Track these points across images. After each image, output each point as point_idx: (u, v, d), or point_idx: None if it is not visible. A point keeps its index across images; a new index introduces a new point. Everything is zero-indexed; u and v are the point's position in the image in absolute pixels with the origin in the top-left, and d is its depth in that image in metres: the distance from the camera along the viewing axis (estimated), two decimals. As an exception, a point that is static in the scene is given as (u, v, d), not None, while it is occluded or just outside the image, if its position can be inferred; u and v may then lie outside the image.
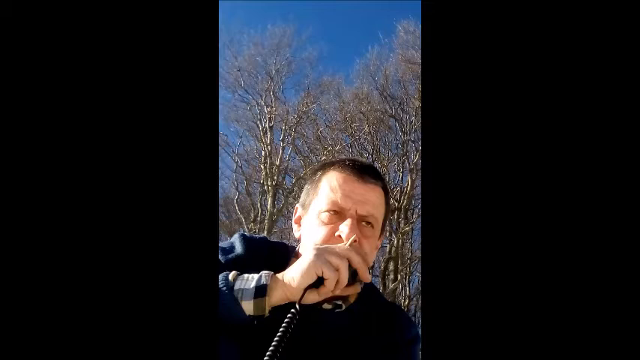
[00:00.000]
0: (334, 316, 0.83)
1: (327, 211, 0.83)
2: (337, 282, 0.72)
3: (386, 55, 13.55)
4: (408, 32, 12.76)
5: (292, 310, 0.70)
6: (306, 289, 0.72)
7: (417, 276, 12.27)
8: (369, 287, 0.89)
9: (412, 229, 11.85)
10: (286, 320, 0.69)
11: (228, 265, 0.81)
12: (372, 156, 12.01)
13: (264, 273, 0.74)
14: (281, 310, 0.71)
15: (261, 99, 13.59)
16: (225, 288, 0.71)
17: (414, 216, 11.92)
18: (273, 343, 0.65)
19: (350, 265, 0.74)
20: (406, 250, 12.11)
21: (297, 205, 0.94)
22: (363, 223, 0.83)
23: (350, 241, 0.78)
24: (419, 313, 11.07)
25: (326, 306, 0.83)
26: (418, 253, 11.49)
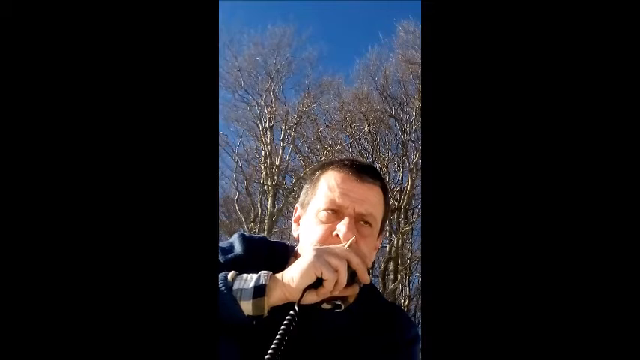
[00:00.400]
0: (334, 316, 0.83)
1: (325, 210, 0.83)
2: (336, 283, 0.72)
3: (386, 55, 13.58)
4: (408, 32, 12.78)
5: (291, 311, 0.70)
6: (305, 290, 0.72)
7: (417, 276, 12.28)
8: (368, 287, 0.89)
9: (412, 229, 11.86)
10: (285, 321, 0.69)
11: (227, 264, 0.81)
12: (372, 156, 12.01)
13: (262, 273, 0.74)
14: (280, 310, 0.71)
15: (261, 99, 13.60)
16: (223, 288, 0.71)
17: (414, 216, 11.93)
18: (273, 344, 0.65)
19: (349, 266, 0.74)
20: (406, 250, 12.11)
21: (296, 205, 0.94)
22: (362, 222, 0.83)
23: (350, 242, 0.78)
24: (419, 313, 11.07)
25: (325, 306, 0.83)
26: (418, 253, 11.49)
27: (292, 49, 14.36)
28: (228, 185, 13.79)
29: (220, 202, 12.28)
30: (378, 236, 0.89)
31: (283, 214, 12.30)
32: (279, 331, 0.67)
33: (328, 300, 0.81)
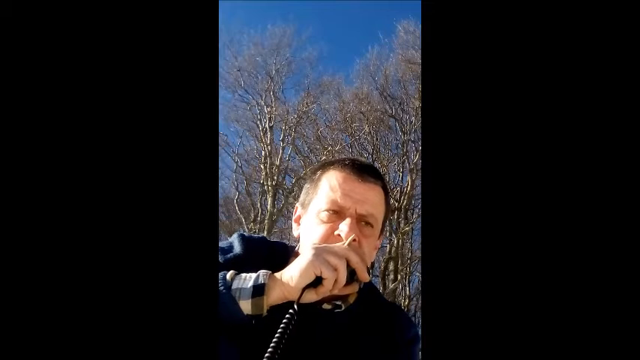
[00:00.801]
0: (334, 316, 0.83)
1: (327, 210, 0.83)
2: (336, 282, 0.72)
3: (386, 55, 13.58)
4: (408, 32, 12.78)
5: (291, 310, 0.70)
6: (304, 289, 0.72)
7: (417, 276, 12.28)
8: (369, 287, 0.89)
9: (412, 229, 11.86)
10: (285, 320, 0.69)
11: (227, 264, 0.81)
12: (372, 156, 12.01)
13: (261, 272, 0.74)
14: (279, 309, 0.71)
15: (261, 99, 13.60)
16: (223, 287, 0.71)
17: (414, 216, 11.93)
18: (272, 343, 0.65)
19: (348, 265, 0.74)
20: (406, 250, 12.11)
21: (297, 205, 0.94)
22: (363, 222, 0.83)
23: (349, 240, 0.78)
24: (419, 313, 11.07)
25: (325, 306, 0.83)
26: (418, 253, 11.49)
27: (292, 49, 14.39)
28: (228, 185, 13.82)
29: (220, 202, 12.27)
30: (379, 236, 0.89)
31: (283, 214, 12.30)
32: (279, 331, 0.67)
33: (328, 300, 0.81)
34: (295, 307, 0.71)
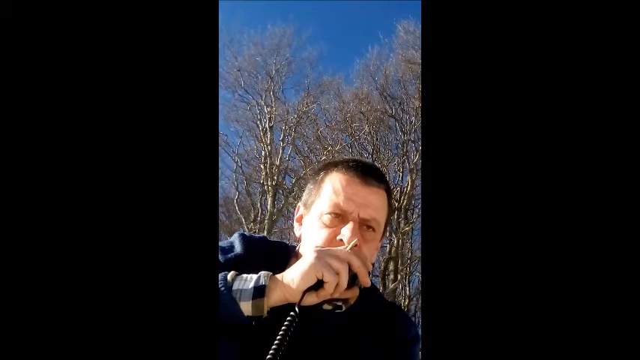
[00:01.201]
0: (334, 317, 0.83)
1: (329, 213, 0.83)
2: (337, 285, 0.72)
3: (386, 55, 13.58)
4: (408, 32, 12.77)
5: (292, 313, 0.70)
6: (305, 292, 0.72)
7: (417, 276, 12.28)
8: (369, 287, 0.89)
9: (412, 229, 11.86)
10: (286, 322, 0.68)
11: (227, 264, 0.81)
12: (372, 156, 12.01)
13: (262, 273, 0.74)
14: (280, 311, 0.71)
15: (261, 99, 13.60)
16: (223, 288, 0.71)
17: (414, 216, 11.93)
18: (274, 345, 0.65)
19: (350, 269, 0.74)
20: (406, 250, 12.12)
21: (299, 204, 0.93)
22: (365, 226, 0.83)
23: (351, 244, 0.78)
24: (419, 313, 11.07)
25: (326, 307, 0.83)
26: (418, 253, 11.49)
27: (292, 49, 14.39)
28: (228, 185, 13.82)
29: (220, 202, 12.28)
30: (381, 239, 0.89)
31: (283, 214, 12.31)
32: (280, 333, 0.67)
33: (329, 301, 0.81)
34: (296, 309, 0.70)
